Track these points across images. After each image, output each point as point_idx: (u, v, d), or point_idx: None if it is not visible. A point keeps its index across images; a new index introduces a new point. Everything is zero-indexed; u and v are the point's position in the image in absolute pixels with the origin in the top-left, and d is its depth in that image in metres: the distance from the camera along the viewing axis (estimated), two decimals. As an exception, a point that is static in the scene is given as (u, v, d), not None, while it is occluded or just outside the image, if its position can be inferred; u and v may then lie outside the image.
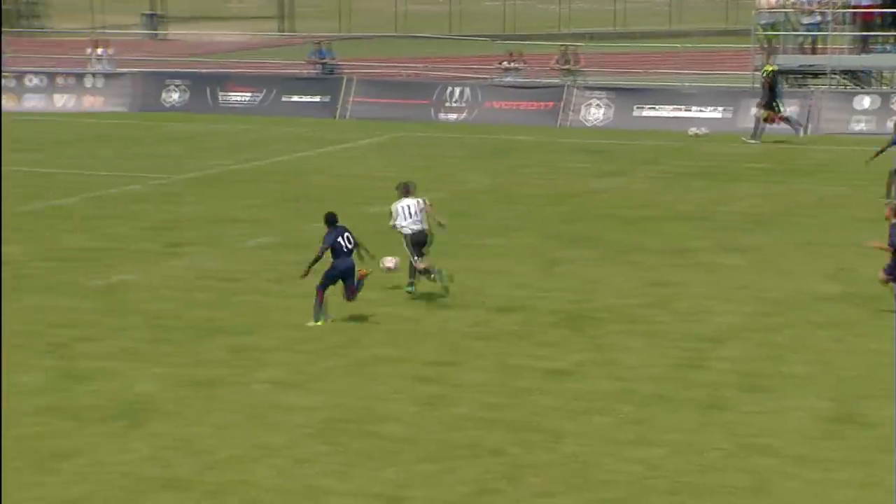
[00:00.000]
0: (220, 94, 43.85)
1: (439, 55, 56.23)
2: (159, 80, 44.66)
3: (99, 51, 46.45)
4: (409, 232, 19.59)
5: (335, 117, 42.25)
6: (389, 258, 19.61)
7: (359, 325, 18.21)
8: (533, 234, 24.39)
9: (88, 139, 36.74)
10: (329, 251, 18.32)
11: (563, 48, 44.43)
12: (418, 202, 19.72)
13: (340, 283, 18.43)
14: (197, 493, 12.46)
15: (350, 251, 18.45)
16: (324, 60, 45.58)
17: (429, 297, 19.55)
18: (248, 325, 18.18)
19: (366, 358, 16.75)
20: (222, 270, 21.27)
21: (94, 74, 44.84)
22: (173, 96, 44.05)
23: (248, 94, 43.70)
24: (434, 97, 42.20)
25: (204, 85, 44.30)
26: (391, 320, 18.52)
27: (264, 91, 43.64)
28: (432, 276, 19.43)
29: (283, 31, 75.32)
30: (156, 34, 73.99)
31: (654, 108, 40.05)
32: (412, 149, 35.56)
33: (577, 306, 19.31)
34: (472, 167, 32.12)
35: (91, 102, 44.06)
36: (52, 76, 44.91)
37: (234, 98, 43.76)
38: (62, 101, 44.12)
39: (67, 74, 45.01)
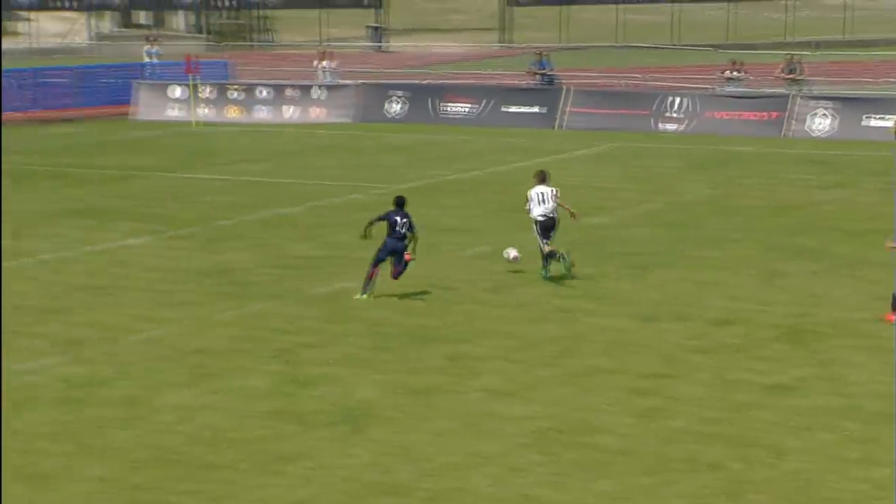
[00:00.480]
0: (440, 104, 44.41)
1: (660, 65, 55.76)
2: (382, 92, 45.51)
3: (324, 63, 47.62)
4: (541, 218, 20.92)
5: (553, 127, 42.33)
6: (511, 249, 21.35)
7: (573, 336, 18.19)
8: (753, 245, 23.98)
9: (313, 149, 37.63)
10: (387, 228, 20.00)
11: (788, 57, 43.60)
12: (552, 191, 21.04)
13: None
14: (415, 499, 12.62)
15: (403, 236, 20.05)
16: (543, 71, 45.73)
17: (639, 309, 19.42)
18: (465, 333, 18.34)
19: (581, 368, 16.71)
20: (439, 278, 21.50)
21: (319, 86, 45.93)
22: (395, 107, 44.80)
23: (468, 105, 44.15)
24: (654, 107, 41.90)
25: (424, 96, 44.96)
26: (606, 331, 18.45)
27: (483, 102, 44.03)
28: (557, 256, 20.82)
29: (503, 43, 75.75)
30: (379, 46, 75.40)
31: (882, 118, 38.93)
32: (630, 159, 35.35)
33: (799, 320, 18.90)
34: (691, 178, 31.76)
35: (316, 113, 45.13)
36: (279, 88, 46.16)
37: (453, 109, 44.27)
38: (289, 113, 45.31)
39: (294, 86, 46.20)
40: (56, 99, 46.72)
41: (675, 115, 41.53)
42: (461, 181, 31.51)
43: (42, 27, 72.50)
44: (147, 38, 54.94)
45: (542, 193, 21.05)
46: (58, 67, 51.20)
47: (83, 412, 14.90)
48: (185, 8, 77.39)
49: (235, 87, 46.27)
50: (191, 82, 44.22)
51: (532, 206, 21.06)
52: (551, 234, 21.03)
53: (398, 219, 20.11)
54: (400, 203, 20.37)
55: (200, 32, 78.58)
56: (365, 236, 20.22)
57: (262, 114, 45.29)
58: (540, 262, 21.31)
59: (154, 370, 16.53)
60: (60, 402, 15.22)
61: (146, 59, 49.68)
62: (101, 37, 76.14)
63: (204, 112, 44.75)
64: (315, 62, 48.36)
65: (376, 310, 19.59)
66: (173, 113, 45.53)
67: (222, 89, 45.99)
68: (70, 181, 31.78)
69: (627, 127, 41.08)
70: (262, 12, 79.26)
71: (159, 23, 78.78)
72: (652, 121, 41.63)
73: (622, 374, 16.48)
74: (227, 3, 76.89)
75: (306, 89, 45.82)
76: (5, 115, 43.76)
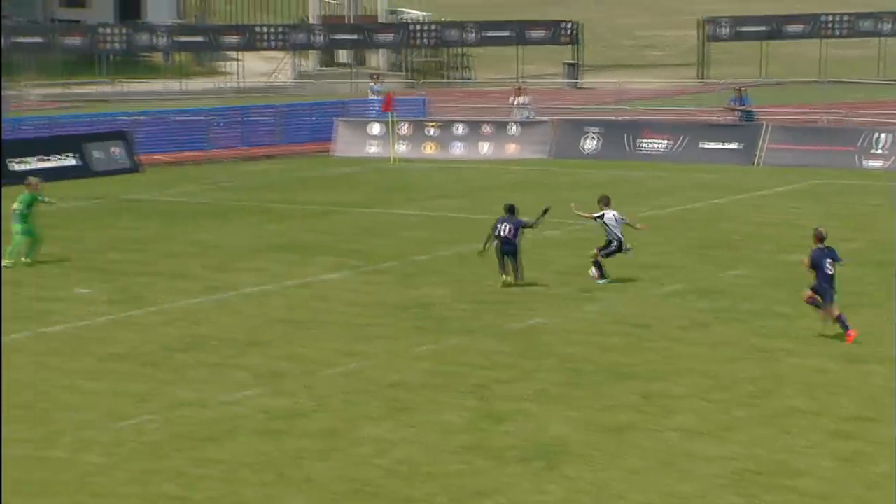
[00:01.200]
0: (636, 140, 44.15)
1: (864, 100, 54.47)
2: (577, 128, 45.47)
3: (520, 99, 47.84)
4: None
5: (752, 164, 41.65)
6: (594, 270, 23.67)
7: (772, 376, 17.82)
8: (961, 285, 23.16)
9: (507, 185, 37.77)
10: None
11: None
12: (615, 215, 23.85)
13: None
14: (608, 537, 12.52)
15: (508, 239, 23.19)
16: (742, 107, 45.11)
17: (843, 349, 18.91)
18: (660, 371, 18.14)
19: (780, 409, 16.36)
20: (634, 316, 21.33)
21: (514, 123, 46.14)
22: (590, 143, 44.70)
23: (664, 141, 43.78)
24: (859, 143, 40.90)
25: (620, 132, 44.76)
26: (807, 371, 18.02)
27: (679, 138, 43.60)
28: (625, 249, 23.76)
29: (701, 79, 74.99)
30: (575, 83, 75.39)
31: None
32: (833, 196, 34.56)
33: None
34: (896, 215, 30.87)
35: (511, 150, 45.31)
36: (475, 125, 46.52)
37: (648, 145, 43.94)
38: (484, 149, 45.58)
39: (490, 123, 46.50)
40: (261, 136, 47.91)
41: (880, 151, 40.46)
42: (656, 217, 31.19)
43: (249, 66, 74.49)
44: (371, 76, 56.30)
45: (612, 217, 23.86)
46: (263, 106, 52.53)
47: (283, 443, 15.19)
48: (386, 46, 78.59)
49: (432, 123, 46.79)
50: (390, 119, 44.88)
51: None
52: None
53: (499, 225, 23.25)
54: (509, 209, 23.64)
55: (400, 70, 79.72)
56: (482, 253, 23.40)
57: (458, 150, 45.66)
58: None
59: (352, 403, 16.76)
60: (261, 433, 15.55)
61: (371, 96, 50.46)
62: (304, 75, 77.82)
63: (401, 148, 45.36)
64: (511, 98, 48.61)
65: (569, 346, 19.52)
66: (372, 149, 46.25)
67: (419, 126, 46.56)
68: (273, 216, 32.53)
69: (830, 164, 40.15)
70: (460, 50, 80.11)
71: (360, 61, 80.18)
72: (856, 157, 40.61)
73: (823, 415, 16.07)
74: (426, 42, 77.87)
75: (501, 125, 46.05)
76: (214, 152, 45.09)
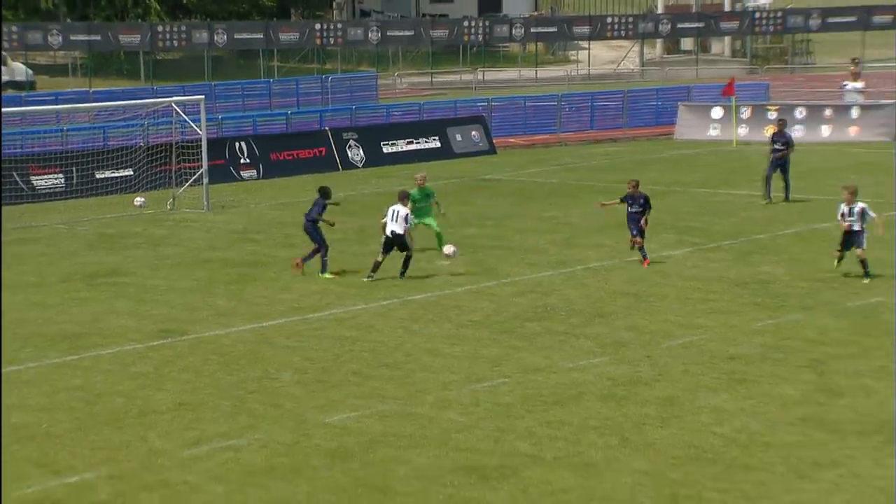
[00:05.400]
0: None
1: None
2: (919, 111, 43.25)
3: (855, 84, 45.81)
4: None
5: None
6: (448, 245, 23.05)
7: None
8: None
9: (848, 168, 36.33)
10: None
11: None
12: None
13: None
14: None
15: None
16: None
17: None
18: None
19: None
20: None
21: (855, 106, 44.30)
22: (933, 126, 42.42)
23: None
24: None
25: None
26: None
27: None
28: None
29: None
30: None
31: None
32: None
33: None
34: None
35: (853, 132, 43.56)
36: (816, 108, 44.95)
37: None
38: (826, 132, 44.01)
39: (830, 106, 44.84)
40: (607, 120, 47.90)
41: None
42: None
43: (597, 55, 74.68)
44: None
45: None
46: (609, 92, 52.44)
47: (626, 409, 15.14)
48: (729, 34, 77.16)
49: (773, 107, 45.50)
50: (732, 103, 43.97)
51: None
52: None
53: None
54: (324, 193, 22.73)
55: (743, 56, 78.11)
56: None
57: (798, 133, 44.21)
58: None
59: (690, 373, 16.54)
60: (606, 399, 15.55)
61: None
62: (649, 62, 77.37)
63: (743, 131, 44.35)
64: (845, 82, 46.65)
65: (910, 325, 18.61)
66: (713, 133, 45.43)
67: (760, 110, 45.37)
68: (613, 196, 32.36)
69: None
70: (802, 36, 77.67)
71: (703, 48, 79.03)
72: None
73: None
74: (769, 29, 75.86)
75: (843, 109, 44.32)
76: (564, 135, 45.37)
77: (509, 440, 14.09)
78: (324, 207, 22.75)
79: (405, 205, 22.09)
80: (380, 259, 22.08)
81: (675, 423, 14.56)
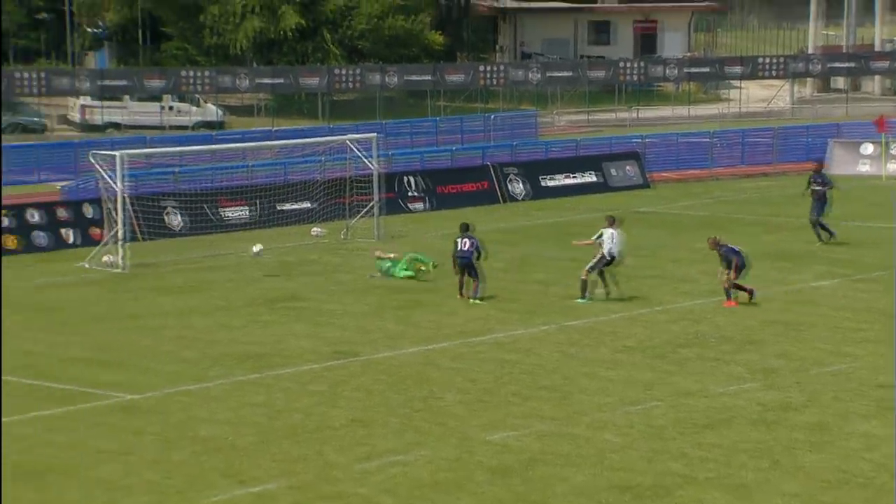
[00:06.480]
0: None
1: None
2: None
3: None
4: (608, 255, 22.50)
5: None
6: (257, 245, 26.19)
7: None
8: None
9: None
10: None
11: None
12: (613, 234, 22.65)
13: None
14: None
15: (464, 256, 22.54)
16: None
17: None
18: None
19: None
20: None
21: None
22: None
23: None
24: None
25: None
26: None
27: None
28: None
29: None
30: None
31: None
32: None
33: None
34: None
35: None
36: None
37: None
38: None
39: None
40: (758, 156, 47.08)
41: None
42: None
43: (750, 93, 73.63)
44: None
45: (612, 235, 22.73)
46: (761, 129, 51.51)
47: (776, 433, 14.86)
48: (881, 73, 75.36)
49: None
50: (882, 140, 42.81)
51: (605, 242, 22.61)
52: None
53: (458, 239, 22.72)
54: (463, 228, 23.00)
55: (894, 95, 76.13)
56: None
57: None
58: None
59: (841, 400, 16.15)
60: (756, 423, 15.29)
61: None
62: (801, 101, 75.94)
63: (893, 167, 43.10)
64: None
65: None
66: (864, 168, 44.26)
67: (911, 146, 44.05)
68: (768, 228, 31.88)
69: None
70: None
71: (854, 87, 77.25)
72: None
73: None
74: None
75: None
76: (716, 170, 44.79)
77: (662, 461, 13.94)
78: (479, 245, 22.99)
79: (615, 227, 23.18)
80: (592, 278, 22.70)
81: (825, 448, 14.23)
